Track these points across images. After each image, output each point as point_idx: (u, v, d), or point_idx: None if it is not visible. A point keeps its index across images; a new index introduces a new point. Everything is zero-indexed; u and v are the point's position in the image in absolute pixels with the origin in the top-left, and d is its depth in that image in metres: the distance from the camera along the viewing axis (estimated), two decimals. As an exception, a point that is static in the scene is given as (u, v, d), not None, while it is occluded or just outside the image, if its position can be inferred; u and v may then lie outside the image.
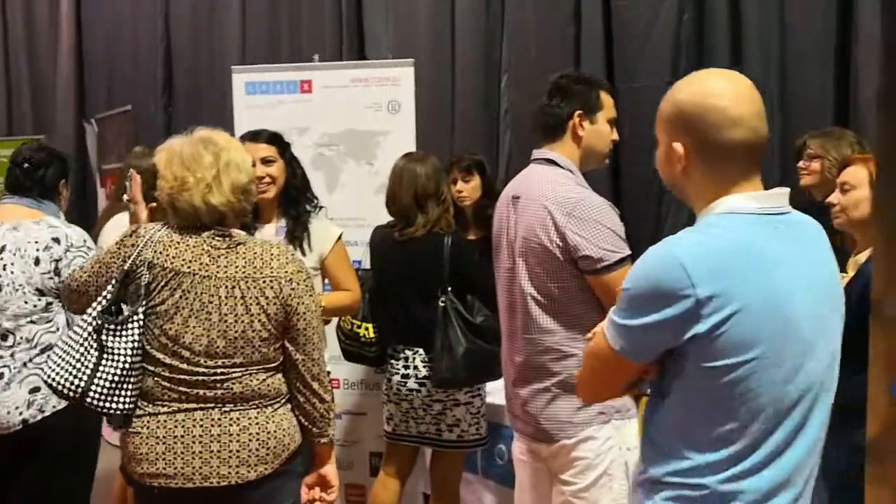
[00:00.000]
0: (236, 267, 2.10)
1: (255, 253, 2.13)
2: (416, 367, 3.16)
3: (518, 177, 2.47)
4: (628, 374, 1.57)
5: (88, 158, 6.06)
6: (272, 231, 3.00)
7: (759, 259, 1.43)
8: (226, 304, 2.08)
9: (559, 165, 2.39)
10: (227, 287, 2.08)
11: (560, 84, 2.44)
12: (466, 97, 4.82)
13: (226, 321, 2.08)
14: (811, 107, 3.75)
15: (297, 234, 2.98)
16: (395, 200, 3.18)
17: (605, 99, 2.45)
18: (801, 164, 3.29)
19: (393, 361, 3.21)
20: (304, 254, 2.94)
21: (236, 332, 2.09)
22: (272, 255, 2.15)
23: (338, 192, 3.71)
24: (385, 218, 3.25)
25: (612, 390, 1.68)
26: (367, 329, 3.26)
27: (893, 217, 2.17)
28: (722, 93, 1.47)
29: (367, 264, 3.42)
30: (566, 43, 4.42)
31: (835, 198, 2.43)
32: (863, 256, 2.39)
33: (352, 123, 3.70)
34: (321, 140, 3.73)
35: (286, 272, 2.13)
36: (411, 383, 3.16)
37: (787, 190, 1.52)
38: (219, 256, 2.11)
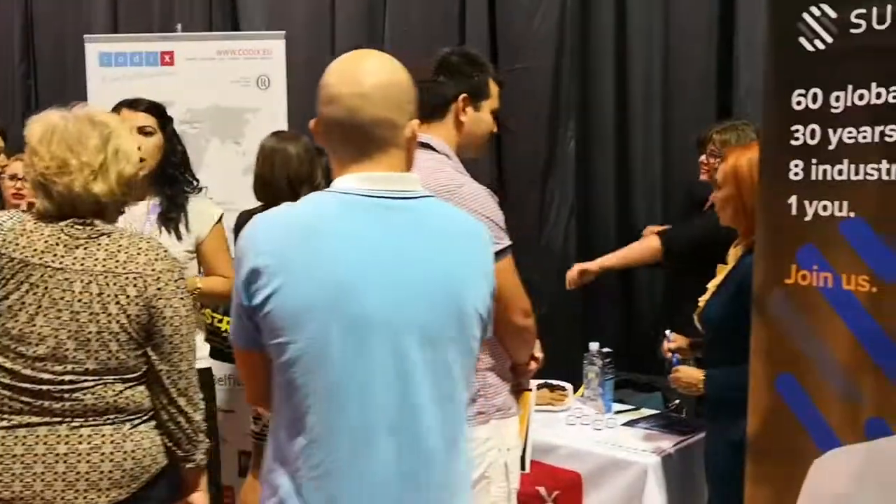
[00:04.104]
0: (95, 259, 1.85)
1: (120, 245, 1.89)
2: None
3: (387, 162, 2.28)
4: (257, 366, 1.50)
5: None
6: (143, 210, 2.74)
7: (326, 238, 1.42)
8: (79, 301, 1.83)
9: (434, 149, 2.23)
10: (82, 282, 1.83)
11: (450, 61, 2.28)
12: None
13: (78, 320, 1.83)
14: (694, 90, 3.71)
15: (173, 216, 2.74)
16: (266, 184, 2.95)
17: (493, 88, 2.31)
18: (702, 158, 3.22)
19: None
20: (179, 237, 2.72)
21: (89, 333, 1.83)
22: (140, 249, 1.90)
23: (202, 173, 3.37)
24: (252, 201, 3.02)
25: (260, 389, 1.54)
26: (228, 323, 3.02)
27: (775, 210, 2.12)
28: (335, 70, 1.50)
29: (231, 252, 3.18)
30: (450, 21, 4.25)
31: (713, 196, 2.39)
32: (740, 249, 2.36)
33: (217, 99, 3.47)
34: (184, 117, 3.47)
35: (154, 269, 1.89)
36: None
37: (413, 176, 1.54)
38: (76, 247, 1.85)
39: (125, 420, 1.90)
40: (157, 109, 2.79)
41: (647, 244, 3.24)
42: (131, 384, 1.91)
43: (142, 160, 2.66)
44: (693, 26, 3.72)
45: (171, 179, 2.78)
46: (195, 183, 2.88)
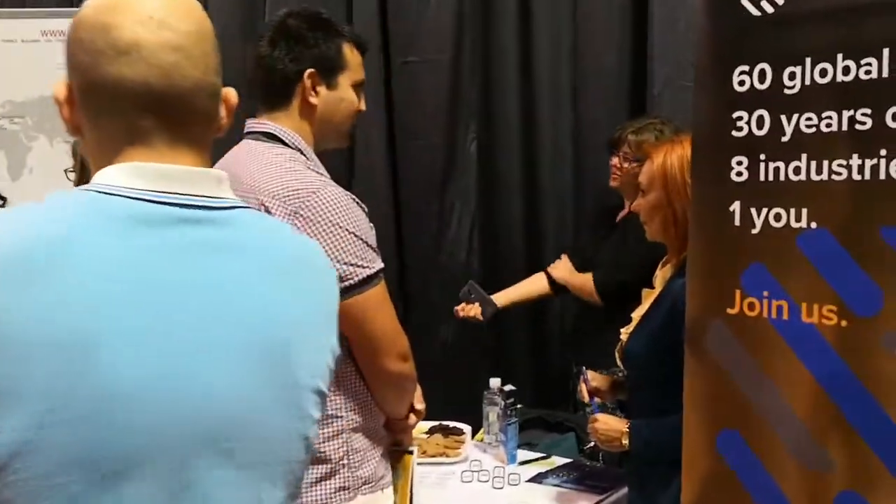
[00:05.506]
0: None
1: None
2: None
3: (223, 159, 1.77)
4: None
5: None
6: None
7: (64, 276, 0.85)
8: None
9: (283, 142, 1.74)
10: None
11: (287, 27, 1.78)
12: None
13: None
14: (606, 87, 3.34)
15: None
16: None
17: (352, 55, 1.82)
18: (613, 161, 2.80)
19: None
20: None
21: None
22: None
23: (25, 177, 2.93)
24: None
25: None
26: None
27: (712, 220, 1.69)
28: (114, 4, 0.95)
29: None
30: (336, 5, 3.78)
31: (636, 204, 1.96)
32: (670, 269, 1.93)
33: (44, 89, 2.90)
34: (2, 110, 2.94)
35: None
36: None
37: (221, 174, 1.00)
38: None
39: None
40: None
41: (539, 282, 3.04)
42: None
43: None
44: (603, 17, 3.35)
45: None
46: None
